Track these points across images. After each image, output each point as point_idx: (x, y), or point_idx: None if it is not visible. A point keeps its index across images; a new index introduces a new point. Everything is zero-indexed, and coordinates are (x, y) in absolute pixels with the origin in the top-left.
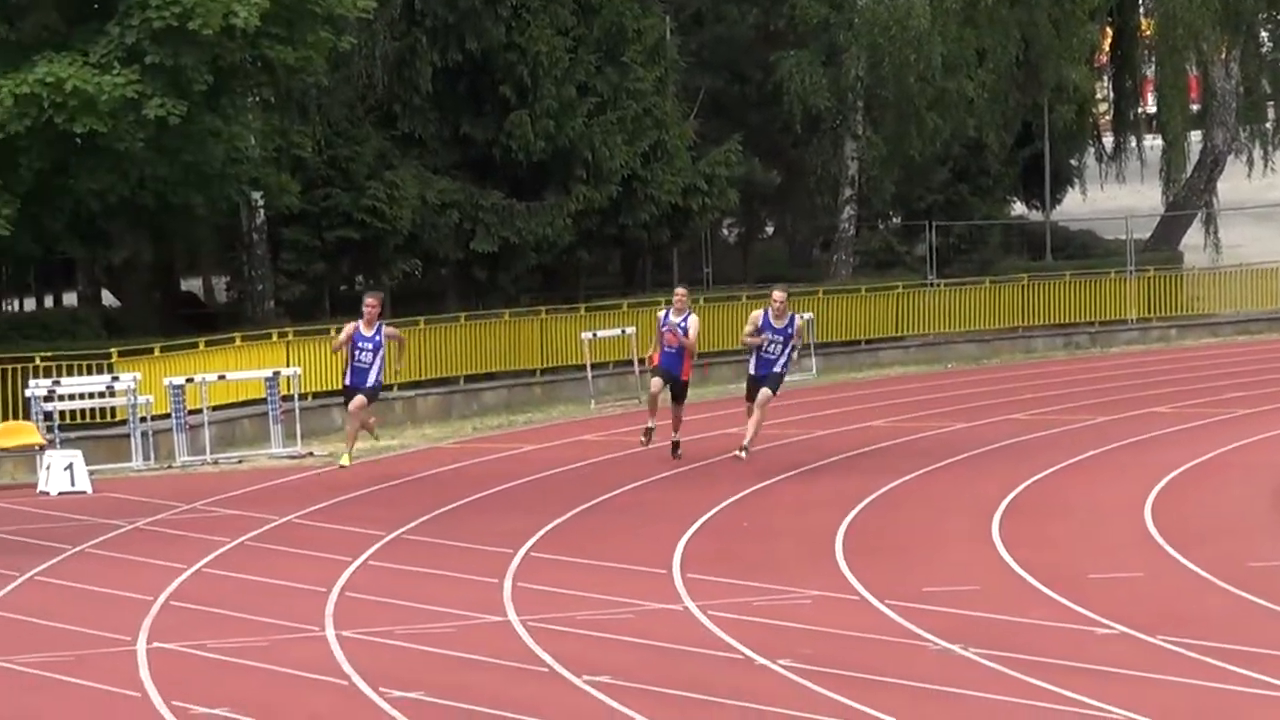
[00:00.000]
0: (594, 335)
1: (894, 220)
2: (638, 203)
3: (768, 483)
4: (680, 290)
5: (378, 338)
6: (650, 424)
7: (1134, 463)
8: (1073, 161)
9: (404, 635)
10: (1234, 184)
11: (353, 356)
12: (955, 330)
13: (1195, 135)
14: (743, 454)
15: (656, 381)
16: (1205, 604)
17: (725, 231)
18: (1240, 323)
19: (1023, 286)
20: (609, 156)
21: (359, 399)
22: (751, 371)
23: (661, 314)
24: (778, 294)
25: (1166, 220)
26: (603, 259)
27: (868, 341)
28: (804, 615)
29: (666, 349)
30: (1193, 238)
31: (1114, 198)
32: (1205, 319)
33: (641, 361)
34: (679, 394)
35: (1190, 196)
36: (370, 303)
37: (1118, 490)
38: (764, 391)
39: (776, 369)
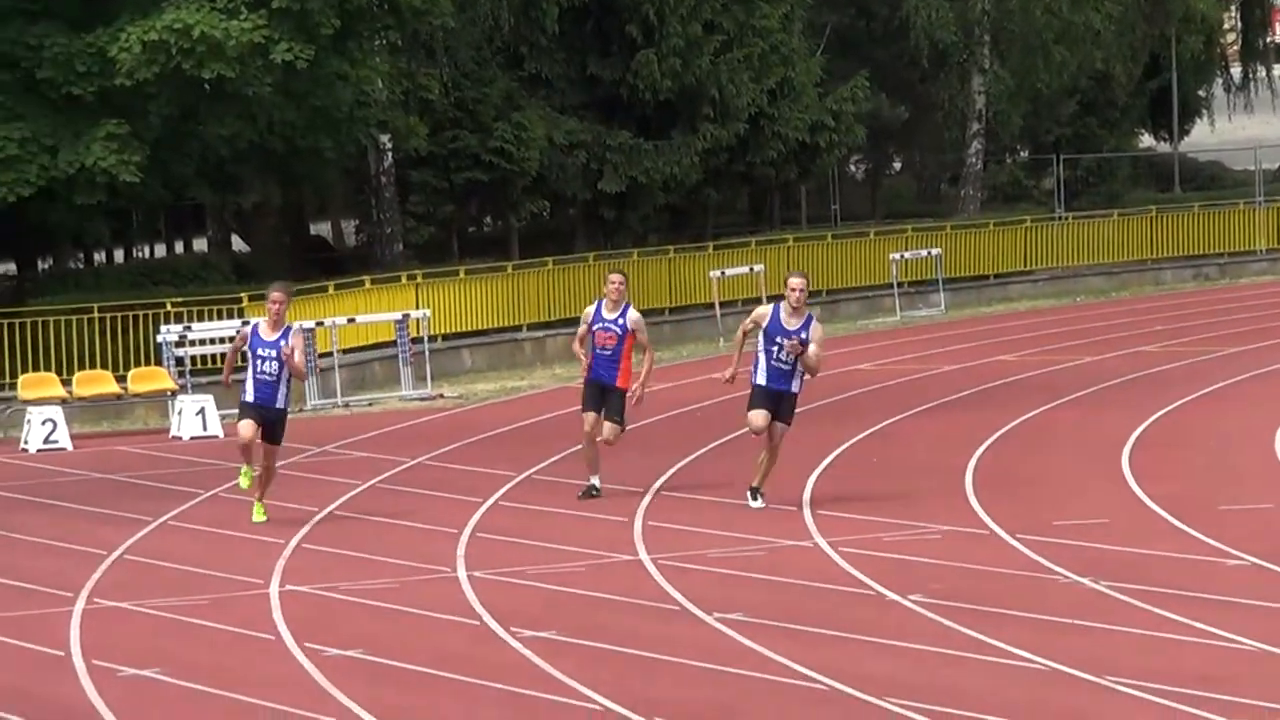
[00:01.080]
0: (722, 274)
1: (1021, 154)
2: (764, 140)
3: (897, 418)
4: (616, 277)
5: (283, 343)
6: (593, 480)
7: (1264, 394)
8: (1200, 93)
9: (535, 575)
10: None
11: (254, 366)
12: (1084, 263)
13: None
14: (758, 501)
15: (590, 417)
16: None
17: (852, 168)
18: None
19: (1151, 218)
20: (735, 94)
21: (248, 428)
22: (758, 380)
23: (590, 309)
24: (796, 281)
25: None
26: (730, 197)
27: (996, 276)
28: (934, 550)
29: (600, 351)
30: None
31: (1243, 128)
32: None
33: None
34: (616, 409)
35: None
36: (276, 298)
37: (1248, 421)
38: (778, 426)
39: (791, 386)
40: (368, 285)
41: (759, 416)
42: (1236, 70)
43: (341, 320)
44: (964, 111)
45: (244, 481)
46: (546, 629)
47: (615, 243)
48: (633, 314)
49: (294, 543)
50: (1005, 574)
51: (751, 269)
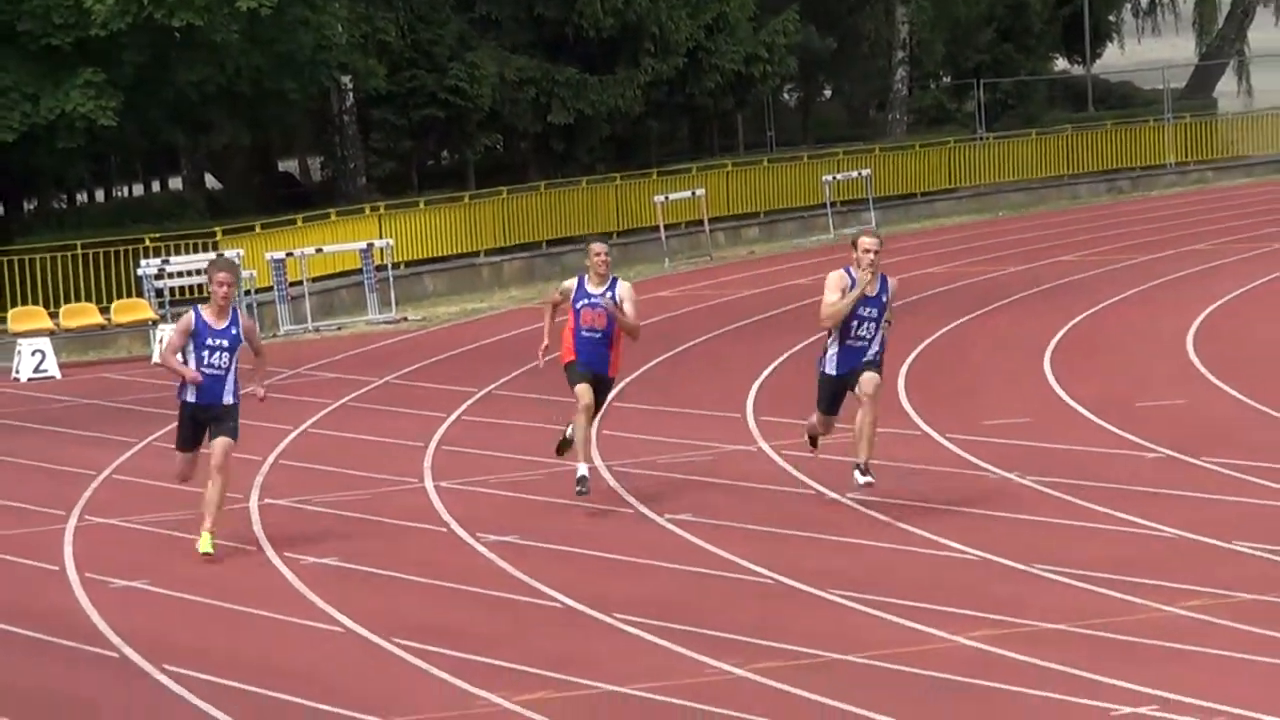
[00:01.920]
0: (666, 199)
1: (944, 80)
2: (703, 72)
3: None
4: (601, 248)
5: (234, 331)
6: (583, 469)
7: (1176, 298)
8: (1111, 17)
9: (497, 484)
10: (1265, 33)
11: (197, 360)
12: (1005, 180)
13: None
14: (868, 478)
15: (585, 389)
16: (1247, 427)
17: (786, 96)
18: (1273, 163)
19: (1067, 137)
20: (674, 30)
21: (185, 461)
22: (829, 370)
23: (571, 283)
24: (868, 240)
25: (1200, 70)
26: (671, 127)
27: (923, 194)
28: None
29: (586, 333)
30: (1226, 85)
31: (1151, 50)
32: (1240, 161)
33: (712, 221)
34: (601, 397)
35: (1222, 46)
36: (223, 278)
37: (1161, 324)
38: (868, 376)
39: (871, 356)
40: (333, 217)
41: (838, 402)
42: None
43: (310, 250)
44: (889, 41)
45: (205, 545)
46: (509, 533)
47: (565, 173)
48: (623, 285)
49: (271, 459)
50: (936, 470)
51: (694, 193)
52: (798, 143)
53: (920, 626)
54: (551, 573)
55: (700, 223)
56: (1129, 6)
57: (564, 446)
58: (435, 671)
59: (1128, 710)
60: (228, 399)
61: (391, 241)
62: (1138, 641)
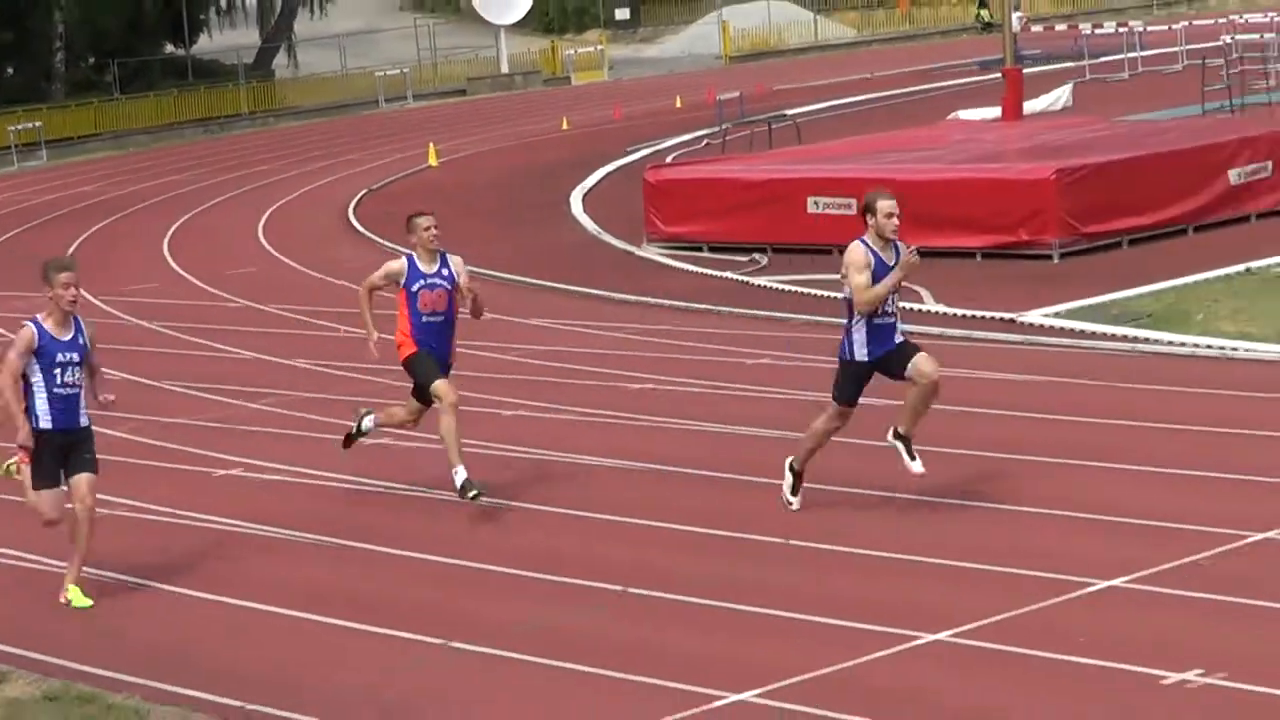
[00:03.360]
0: None
1: (90, 59)
2: None
3: None
4: (428, 220)
5: (81, 340)
6: (462, 472)
7: (251, 203)
8: (202, 16)
9: None
10: (304, 24)
11: (47, 382)
12: (134, 127)
13: None
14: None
15: (446, 386)
16: (301, 285)
17: None
18: (316, 110)
19: (174, 97)
20: None
21: (50, 503)
22: (860, 355)
23: (397, 264)
24: (889, 203)
25: (263, 49)
26: None
27: (79, 137)
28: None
29: (428, 319)
30: (281, 59)
31: (230, 37)
32: (292, 109)
33: None
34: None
35: (277, 33)
36: (67, 279)
37: (241, 220)
38: (924, 357)
39: (899, 335)
40: None
41: (859, 391)
42: None
43: None
44: (49, 33)
45: (77, 598)
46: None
47: None
48: (454, 259)
49: None
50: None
51: None
52: None
53: None
54: None
55: None
56: (214, 7)
57: (353, 438)
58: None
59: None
60: (84, 420)
61: None
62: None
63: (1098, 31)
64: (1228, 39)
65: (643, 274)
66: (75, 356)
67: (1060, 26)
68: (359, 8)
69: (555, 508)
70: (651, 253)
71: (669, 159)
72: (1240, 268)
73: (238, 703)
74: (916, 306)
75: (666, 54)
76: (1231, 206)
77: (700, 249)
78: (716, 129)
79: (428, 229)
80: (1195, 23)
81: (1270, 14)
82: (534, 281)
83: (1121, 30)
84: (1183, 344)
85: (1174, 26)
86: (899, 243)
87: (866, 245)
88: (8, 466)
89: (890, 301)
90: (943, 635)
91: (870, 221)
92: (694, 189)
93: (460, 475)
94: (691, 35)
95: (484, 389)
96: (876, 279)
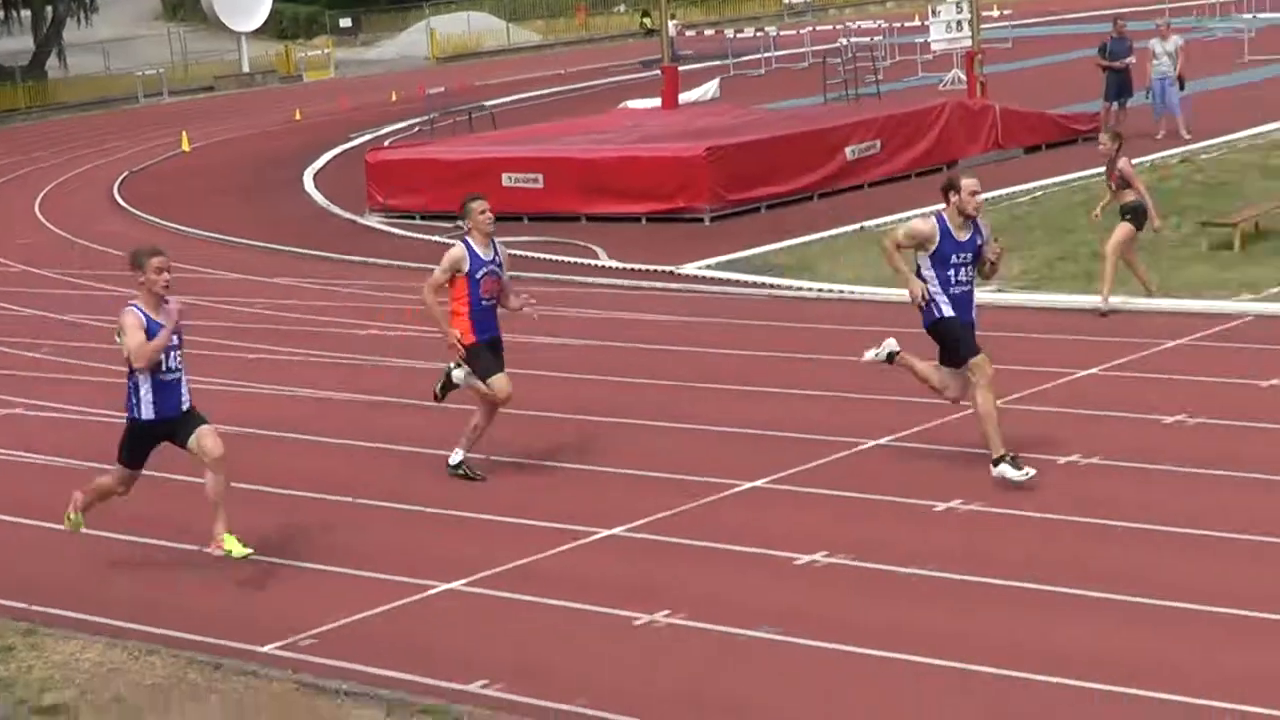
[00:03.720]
0: None
1: None
2: None
3: None
4: (483, 204)
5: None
6: (460, 455)
7: (31, 185)
8: None
9: None
10: (72, 33)
11: (151, 371)
12: None
13: None
14: (1024, 472)
15: (505, 381)
16: (71, 251)
17: None
18: (185, 92)
19: None
20: None
21: (128, 476)
22: (949, 312)
23: (458, 251)
24: (970, 181)
25: (38, 53)
26: None
27: None
28: None
29: (485, 303)
30: (54, 62)
31: (10, 43)
32: (62, 105)
33: None
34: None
35: (48, 40)
36: (160, 263)
37: (20, 199)
38: (986, 356)
39: (974, 309)
40: None
41: (960, 354)
42: None
43: None
44: None
45: (235, 547)
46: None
47: None
48: (499, 245)
49: None
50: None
51: None
52: None
53: None
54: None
55: None
56: None
57: (446, 390)
58: None
59: None
60: (187, 401)
61: None
62: None
63: (740, 35)
64: (845, 41)
65: (365, 239)
66: (175, 339)
67: (709, 31)
68: (120, 17)
69: (258, 430)
70: (373, 221)
71: (386, 143)
72: (855, 227)
73: None
74: (592, 262)
75: (384, 56)
76: (848, 178)
77: (414, 217)
78: (426, 118)
79: (483, 212)
80: (818, 28)
81: (879, 21)
82: (274, 246)
83: (759, 35)
84: (810, 289)
85: (801, 31)
86: (979, 220)
87: (938, 219)
88: (69, 515)
89: (964, 273)
90: (618, 529)
91: (953, 198)
92: (408, 168)
93: (458, 456)
94: (405, 40)
95: (230, 336)
96: (944, 257)
